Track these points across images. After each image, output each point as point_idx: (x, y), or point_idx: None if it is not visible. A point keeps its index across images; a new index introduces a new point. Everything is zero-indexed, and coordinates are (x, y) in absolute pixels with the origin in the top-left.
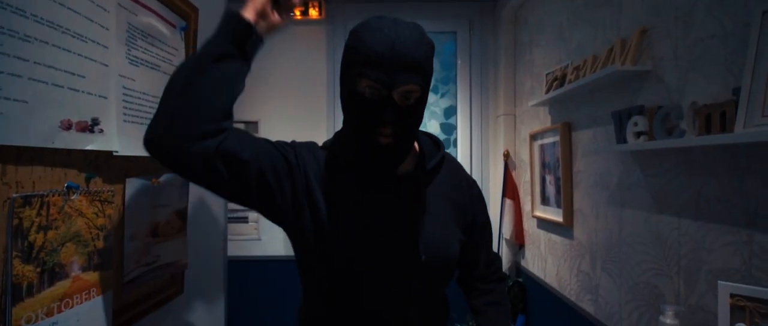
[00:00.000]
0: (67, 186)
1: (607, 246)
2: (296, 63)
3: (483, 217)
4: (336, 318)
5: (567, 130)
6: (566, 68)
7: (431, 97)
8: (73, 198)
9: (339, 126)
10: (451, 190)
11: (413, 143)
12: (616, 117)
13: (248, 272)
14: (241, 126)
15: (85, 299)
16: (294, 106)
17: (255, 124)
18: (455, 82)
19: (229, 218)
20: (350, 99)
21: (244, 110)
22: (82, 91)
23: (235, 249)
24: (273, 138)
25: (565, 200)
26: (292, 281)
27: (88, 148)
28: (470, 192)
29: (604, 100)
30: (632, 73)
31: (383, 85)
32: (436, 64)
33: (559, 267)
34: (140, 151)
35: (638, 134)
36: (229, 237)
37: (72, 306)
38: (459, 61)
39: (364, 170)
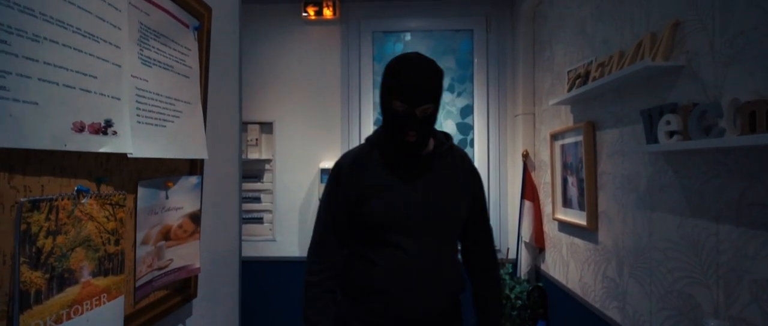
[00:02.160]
0: (77, 190)
1: (635, 252)
2: (311, 63)
3: (482, 194)
4: (385, 260)
5: (591, 130)
6: (590, 65)
7: (447, 97)
8: (83, 202)
9: (353, 126)
10: (459, 168)
11: (430, 138)
12: (646, 115)
13: (263, 273)
14: (256, 127)
15: (96, 305)
16: (309, 105)
17: (270, 124)
18: (472, 81)
19: (243, 219)
20: (387, 112)
21: (258, 111)
22: (95, 92)
23: (249, 250)
24: (288, 139)
25: (588, 202)
26: None
27: (102, 150)
28: (473, 174)
29: (631, 97)
30: (664, 69)
31: (409, 105)
32: (453, 63)
33: (583, 272)
34: (153, 153)
35: (671, 134)
36: (244, 237)
37: (82, 313)
38: (476, 60)
39: (400, 156)
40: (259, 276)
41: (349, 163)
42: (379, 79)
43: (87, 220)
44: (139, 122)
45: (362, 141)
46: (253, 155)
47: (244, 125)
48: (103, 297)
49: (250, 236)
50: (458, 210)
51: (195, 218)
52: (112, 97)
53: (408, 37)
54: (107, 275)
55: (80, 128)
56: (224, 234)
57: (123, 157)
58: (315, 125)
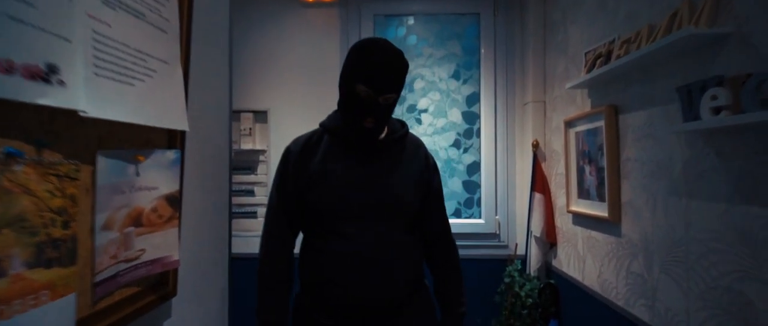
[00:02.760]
0: (5, 153)
1: (668, 245)
2: (308, 48)
3: (437, 184)
4: (332, 248)
5: (613, 114)
6: (612, 43)
7: (452, 84)
8: (15, 169)
9: None
10: (412, 155)
11: (386, 125)
12: (684, 92)
13: (255, 271)
14: (250, 115)
15: (32, 305)
16: (305, 93)
17: (264, 113)
18: (478, 68)
19: (234, 213)
20: (349, 96)
21: (253, 99)
22: (32, 25)
23: (241, 246)
24: (284, 129)
25: (610, 192)
26: None
27: (41, 102)
28: (427, 162)
29: (662, 75)
30: (707, 38)
31: (373, 92)
32: (458, 48)
33: (602, 267)
34: (116, 115)
35: (717, 110)
36: (235, 232)
37: (10, 316)
38: (482, 45)
39: (354, 141)
40: (251, 275)
41: (298, 150)
42: None
43: (20, 193)
44: (97, 74)
45: None
46: (246, 145)
47: (236, 114)
48: (44, 295)
49: (242, 231)
50: (408, 196)
51: (173, 201)
52: (59, 37)
53: (411, 21)
54: (50, 266)
55: (8, 69)
56: (210, 222)
57: (75, 116)
58: (312, 114)
